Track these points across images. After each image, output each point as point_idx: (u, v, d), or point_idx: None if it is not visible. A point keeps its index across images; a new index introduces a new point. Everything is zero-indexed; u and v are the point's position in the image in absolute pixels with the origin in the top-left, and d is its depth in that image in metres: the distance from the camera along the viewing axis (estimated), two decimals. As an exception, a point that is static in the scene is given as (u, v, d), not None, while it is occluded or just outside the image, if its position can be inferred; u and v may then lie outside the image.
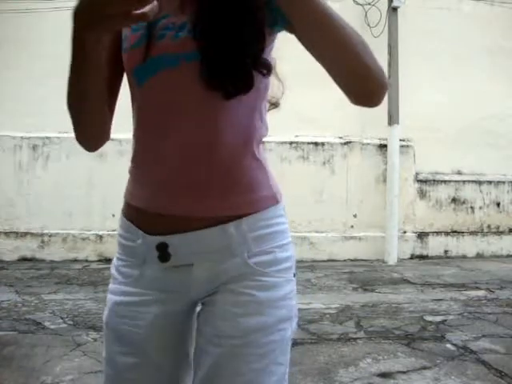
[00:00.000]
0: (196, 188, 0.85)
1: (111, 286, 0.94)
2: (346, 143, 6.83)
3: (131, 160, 0.94)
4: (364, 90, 0.85)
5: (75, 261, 6.28)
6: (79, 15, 0.65)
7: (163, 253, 0.86)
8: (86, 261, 6.30)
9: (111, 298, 0.93)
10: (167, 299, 0.88)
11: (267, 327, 0.84)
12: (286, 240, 0.91)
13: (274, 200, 0.92)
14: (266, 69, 0.86)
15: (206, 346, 0.86)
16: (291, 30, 0.81)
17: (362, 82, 0.82)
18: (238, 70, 0.80)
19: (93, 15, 0.63)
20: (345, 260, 6.58)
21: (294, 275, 0.91)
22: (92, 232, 6.43)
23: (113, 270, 0.95)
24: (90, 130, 0.89)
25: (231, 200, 0.86)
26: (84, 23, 0.65)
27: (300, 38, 0.81)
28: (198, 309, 0.92)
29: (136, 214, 0.90)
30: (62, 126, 6.49)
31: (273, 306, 0.85)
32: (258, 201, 0.88)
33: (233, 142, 0.85)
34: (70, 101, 0.81)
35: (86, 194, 6.42)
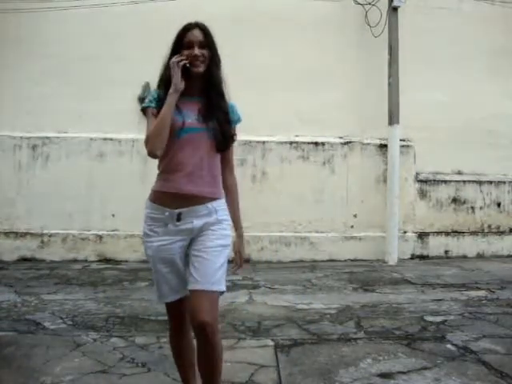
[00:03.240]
0: (199, 182, 1.98)
1: (149, 239, 2.02)
2: (346, 143, 6.82)
3: (162, 170, 2.01)
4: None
5: (75, 261, 6.27)
6: (176, 90, 1.93)
7: (178, 217, 1.97)
8: (86, 261, 6.30)
9: (153, 244, 2.00)
10: (182, 239, 2.00)
11: (224, 245, 2.00)
12: (227, 211, 2.07)
13: (222, 195, 2.08)
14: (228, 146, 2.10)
15: (198, 254, 1.97)
16: None
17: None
18: (225, 142, 2.05)
19: (179, 88, 1.94)
20: (345, 260, 6.57)
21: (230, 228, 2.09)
22: (92, 232, 6.43)
23: (147, 231, 2.03)
24: (165, 141, 1.91)
25: (212, 189, 2.02)
26: (177, 92, 1.93)
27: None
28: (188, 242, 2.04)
29: (164, 199, 1.98)
30: (62, 125, 6.52)
31: (226, 236, 2.02)
32: (219, 194, 2.06)
33: (215, 167, 2.05)
34: (160, 132, 1.89)
35: (86, 194, 6.41)
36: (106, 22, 6.44)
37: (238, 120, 2.12)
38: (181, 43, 1.97)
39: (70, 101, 6.40)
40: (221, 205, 2.04)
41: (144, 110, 2.04)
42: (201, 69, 1.97)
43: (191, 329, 2.03)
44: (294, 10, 6.65)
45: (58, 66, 6.45)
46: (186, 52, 1.94)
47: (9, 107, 6.45)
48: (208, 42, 1.99)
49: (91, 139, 6.52)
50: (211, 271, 1.93)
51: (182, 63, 1.91)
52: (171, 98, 1.91)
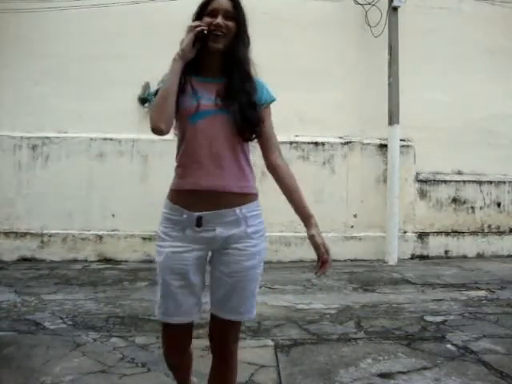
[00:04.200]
0: (220, 174, 1.62)
1: (161, 243, 1.68)
2: (346, 143, 6.82)
3: (178, 164, 1.69)
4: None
5: (75, 261, 6.27)
6: (182, 57, 1.61)
7: (198, 222, 1.62)
8: (86, 261, 6.29)
9: (164, 250, 1.66)
10: (200, 248, 1.65)
11: (255, 266, 1.68)
12: (261, 219, 1.72)
13: (256, 196, 1.73)
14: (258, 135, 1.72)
15: (223, 278, 1.67)
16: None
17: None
18: (249, 130, 1.68)
19: (186, 55, 1.62)
20: (345, 260, 6.57)
21: (265, 238, 1.74)
22: (92, 232, 6.42)
23: (161, 234, 1.69)
24: (171, 115, 1.61)
25: (239, 182, 1.66)
26: (183, 59, 1.61)
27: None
28: (210, 255, 1.71)
29: (182, 198, 1.65)
30: (62, 125, 6.52)
31: (256, 254, 1.67)
32: (251, 196, 1.69)
33: (242, 157, 1.69)
34: (163, 102, 1.59)
35: (86, 194, 6.41)
36: (106, 21, 6.43)
37: (270, 99, 1.77)
38: (204, 12, 1.66)
39: (70, 101, 6.40)
40: (252, 210, 1.68)
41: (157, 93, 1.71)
42: (220, 45, 1.65)
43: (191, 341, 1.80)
44: (294, 10, 6.65)
45: (58, 66, 6.45)
46: (207, 19, 1.64)
47: (9, 107, 6.45)
48: (236, 15, 1.68)
49: (91, 139, 6.52)
50: (241, 301, 1.68)
51: (199, 29, 1.60)
52: (175, 65, 1.60)
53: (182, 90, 1.64)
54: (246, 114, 1.65)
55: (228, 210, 1.63)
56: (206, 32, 1.62)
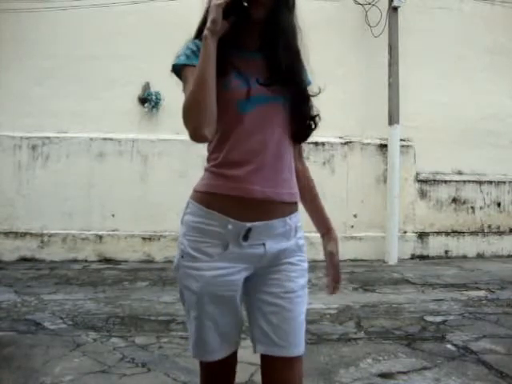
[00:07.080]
0: (276, 180, 1.29)
1: (193, 264, 1.29)
2: (346, 143, 6.82)
3: (221, 162, 1.29)
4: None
5: (75, 261, 6.27)
6: (214, 30, 1.17)
7: (246, 235, 1.27)
8: (86, 261, 6.29)
9: (202, 273, 1.28)
10: (246, 268, 1.31)
11: (305, 286, 1.37)
12: (302, 231, 1.41)
13: (298, 204, 1.41)
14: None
15: (278, 301, 1.31)
16: None
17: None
18: (307, 126, 1.50)
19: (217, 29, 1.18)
20: (345, 260, 6.56)
21: None
22: (91, 232, 6.43)
23: (192, 252, 1.29)
24: (214, 114, 1.20)
25: (291, 190, 1.34)
26: (216, 33, 1.18)
27: None
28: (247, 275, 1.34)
29: (225, 204, 1.27)
30: (62, 125, 6.52)
31: (306, 272, 1.38)
32: (296, 204, 1.39)
33: (292, 156, 1.38)
34: (201, 98, 1.17)
35: (86, 194, 6.41)
36: (105, 21, 6.44)
37: (309, 83, 1.52)
38: None
39: (70, 101, 6.40)
40: (298, 220, 1.38)
41: (178, 71, 1.30)
42: (260, 14, 1.26)
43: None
44: (294, 10, 6.65)
45: (58, 65, 6.44)
46: None
47: (9, 107, 6.45)
48: None
49: (91, 139, 6.52)
50: (296, 328, 1.32)
51: None
52: (207, 44, 1.18)
53: (218, 71, 1.22)
54: (304, 106, 1.44)
55: (278, 220, 1.31)
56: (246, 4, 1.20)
